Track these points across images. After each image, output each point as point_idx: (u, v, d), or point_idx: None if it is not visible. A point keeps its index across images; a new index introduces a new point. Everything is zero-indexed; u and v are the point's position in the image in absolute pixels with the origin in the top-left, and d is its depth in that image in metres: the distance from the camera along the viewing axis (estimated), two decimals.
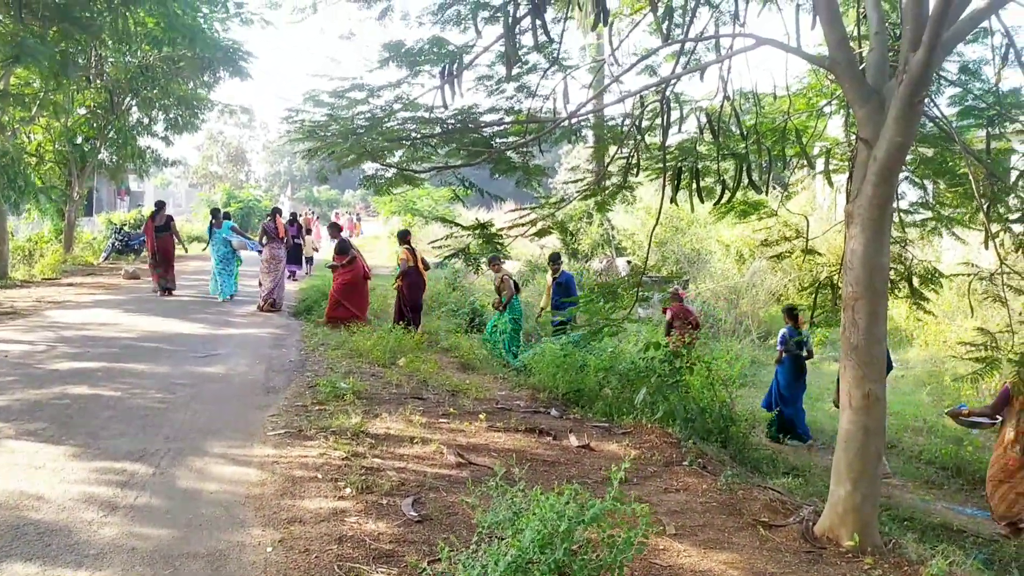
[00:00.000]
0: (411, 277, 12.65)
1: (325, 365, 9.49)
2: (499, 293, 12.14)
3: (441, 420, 7.32)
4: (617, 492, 3.81)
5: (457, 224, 9.15)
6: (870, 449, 5.06)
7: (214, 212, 16.24)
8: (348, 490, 5.23)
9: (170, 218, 16.30)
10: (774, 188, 10.58)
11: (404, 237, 13.20)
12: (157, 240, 15.73)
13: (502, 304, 12.01)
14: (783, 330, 10.84)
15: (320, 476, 5.51)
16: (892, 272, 8.43)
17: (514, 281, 12.16)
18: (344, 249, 13.25)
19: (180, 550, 4.27)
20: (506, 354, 11.79)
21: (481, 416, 7.42)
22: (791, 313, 10.83)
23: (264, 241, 14.58)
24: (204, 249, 16.79)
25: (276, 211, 15.56)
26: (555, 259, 12.75)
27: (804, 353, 10.63)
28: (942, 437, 10.33)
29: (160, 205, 16.42)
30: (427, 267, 13.20)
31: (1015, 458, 7.47)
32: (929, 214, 9.21)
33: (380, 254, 31.35)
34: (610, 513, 3.79)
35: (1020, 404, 7.53)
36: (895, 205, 8.43)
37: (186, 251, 18.12)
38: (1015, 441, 7.50)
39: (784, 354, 10.60)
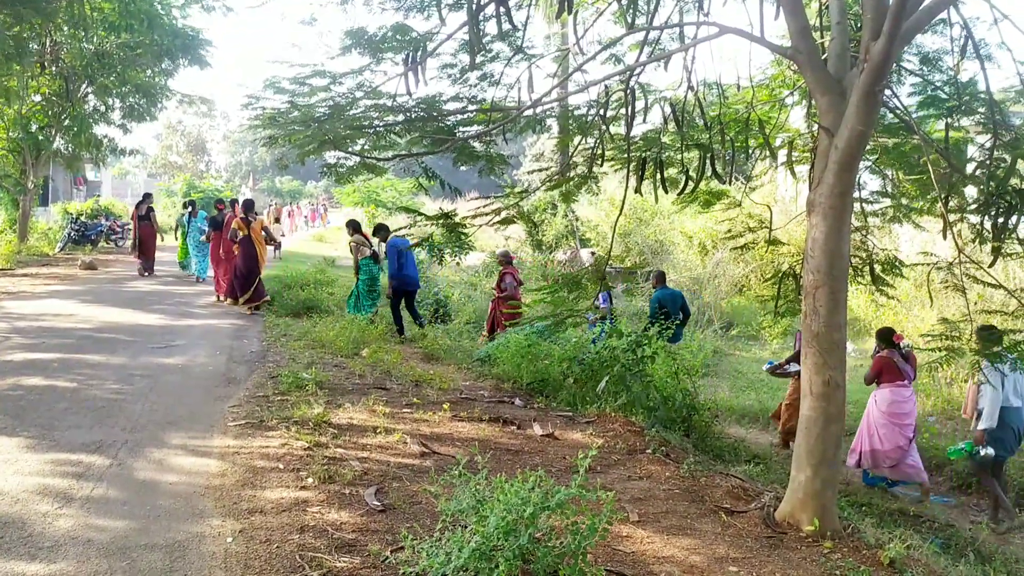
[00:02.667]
0: (244, 247, 13.07)
1: (287, 356, 9.38)
2: (354, 256, 12.79)
3: (405, 410, 7.27)
4: (583, 479, 3.81)
5: (421, 213, 9.10)
6: (830, 435, 5.11)
7: (191, 204, 18.23)
8: (310, 480, 5.17)
9: (151, 209, 18.34)
10: (737, 179, 10.70)
11: (247, 207, 13.67)
12: (140, 227, 17.78)
13: (357, 267, 12.59)
14: (601, 294, 11.73)
15: (282, 466, 5.45)
16: (854, 260, 8.54)
17: (372, 249, 12.80)
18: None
19: (138, 541, 4.19)
20: (352, 310, 12.52)
21: (445, 406, 7.39)
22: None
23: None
24: (180, 241, 18.24)
25: (219, 202, 17.13)
26: (381, 228, 13.06)
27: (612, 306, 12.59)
28: None
29: (146, 196, 18.64)
30: (270, 241, 14.08)
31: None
32: (889, 203, 9.36)
33: (343, 244, 31.16)
34: (574, 500, 3.79)
35: None
36: (856, 194, 8.58)
37: (162, 239, 19.71)
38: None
39: (607, 313, 11.80)
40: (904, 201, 9.24)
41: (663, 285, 12.09)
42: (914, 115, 8.18)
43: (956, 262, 7.75)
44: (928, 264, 8.19)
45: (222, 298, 13.90)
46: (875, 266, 8.72)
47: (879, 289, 8.93)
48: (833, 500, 5.20)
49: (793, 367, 9.49)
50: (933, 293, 9.46)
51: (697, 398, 8.67)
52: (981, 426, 7.92)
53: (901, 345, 8.83)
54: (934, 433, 9.85)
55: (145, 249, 17.89)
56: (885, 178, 9.34)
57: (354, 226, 13.06)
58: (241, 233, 13.07)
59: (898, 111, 7.46)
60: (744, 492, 5.75)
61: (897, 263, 9.01)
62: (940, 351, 8.06)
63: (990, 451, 7.86)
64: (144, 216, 17.86)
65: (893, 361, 8.63)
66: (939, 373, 11.02)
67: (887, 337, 8.92)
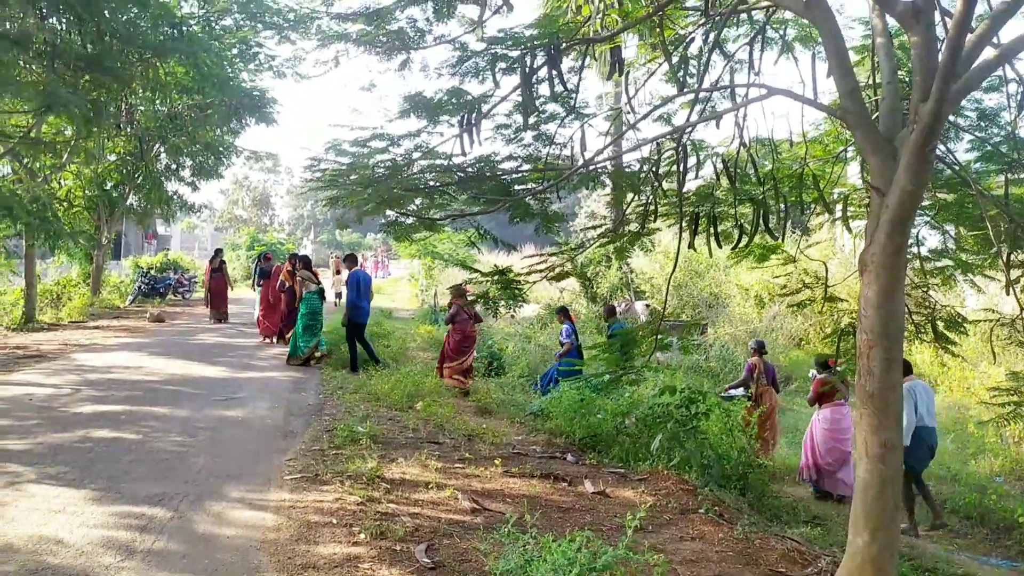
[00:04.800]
0: (287, 296, 14.60)
1: (343, 409, 9.54)
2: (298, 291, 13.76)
3: (457, 465, 7.33)
4: (630, 540, 3.81)
5: (475, 270, 9.26)
6: (888, 498, 5.00)
7: (260, 256, 19.23)
8: (362, 536, 5.24)
9: (223, 262, 20.06)
10: (794, 232, 10.68)
11: (293, 261, 14.79)
12: (212, 279, 19.42)
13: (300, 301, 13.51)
14: (565, 326, 12.91)
15: (335, 521, 5.54)
16: (917, 317, 8.40)
17: (317, 283, 13.66)
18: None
19: None
20: (299, 345, 13.17)
21: (497, 461, 7.42)
22: (565, 313, 13.29)
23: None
24: (255, 287, 18.86)
25: (266, 254, 18.59)
26: (350, 257, 14.64)
27: (579, 342, 13.07)
28: (966, 486, 10.17)
29: (217, 252, 20.56)
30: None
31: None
32: (950, 261, 9.20)
33: (400, 296, 31.60)
34: (623, 561, 3.79)
35: (757, 374, 10.81)
36: (915, 251, 8.47)
37: (232, 289, 20.89)
38: (758, 400, 10.64)
39: (572, 346, 12.58)
40: (965, 257, 9.08)
41: (616, 319, 13.26)
42: (974, 170, 8.10)
43: (1019, 318, 7.58)
44: (991, 320, 8.01)
45: (268, 339, 15.70)
46: (938, 323, 8.56)
47: (942, 346, 8.75)
48: (892, 565, 5.05)
49: (733, 392, 10.96)
50: (1000, 349, 9.21)
51: (753, 456, 8.55)
52: None
53: (837, 369, 9.64)
54: (1002, 494, 9.49)
55: (217, 299, 19.52)
56: (945, 234, 9.20)
57: (304, 262, 14.14)
58: (287, 284, 14.45)
59: (955, 167, 7.39)
60: (800, 555, 5.64)
61: (960, 320, 8.83)
62: (1006, 406, 7.87)
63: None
64: (217, 269, 19.48)
65: (831, 383, 9.79)
66: (1006, 431, 10.65)
67: (824, 363, 10.07)
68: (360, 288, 13.29)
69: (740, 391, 10.90)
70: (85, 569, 4.57)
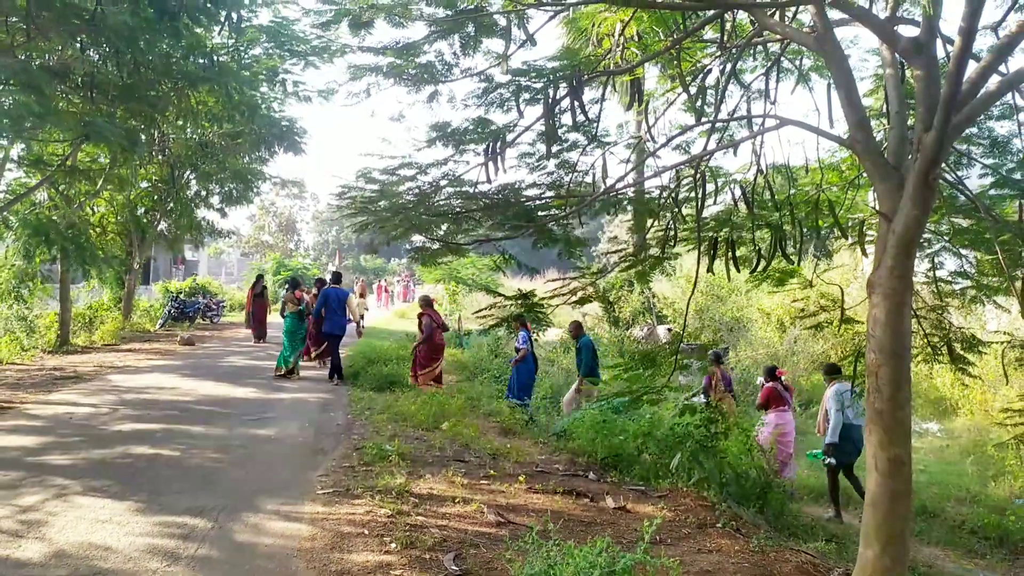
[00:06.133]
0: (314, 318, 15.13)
1: (371, 428, 9.80)
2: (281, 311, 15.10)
3: (482, 481, 7.56)
4: (646, 546, 4.03)
5: (500, 294, 9.53)
6: (898, 512, 5.17)
7: (288, 281, 19.60)
8: (393, 545, 5.49)
9: (264, 287, 21.42)
10: (816, 257, 10.92)
11: (319, 284, 16.26)
12: (255, 303, 20.80)
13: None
14: (522, 333, 13.31)
15: (367, 532, 5.79)
16: (934, 339, 8.55)
17: (303, 302, 14.86)
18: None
19: None
20: (286, 357, 14.32)
21: (521, 478, 7.65)
22: (521, 320, 12.86)
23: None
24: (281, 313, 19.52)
25: (287, 280, 19.00)
26: (337, 277, 15.25)
27: (534, 349, 13.76)
28: (985, 507, 10.25)
29: (259, 277, 22.30)
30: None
31: None
32: (969, 283, 9.35)
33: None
34: (640, 566, 4.01)
35: (716, 382, 11.59)
36: (933, 275, 8.65)
37: (270, 312, 21.69)
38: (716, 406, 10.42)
39: (527, 353, 13.25)
40: (984, 281, 9.23)
41: (583, 333, 13.49)
42: (990, 196, 8.28)
43: None
44: (1003, 344, 8.16)
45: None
46: (954, 345, 8.70)
47: (959, 368, 8.88)
48: None
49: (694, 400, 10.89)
50: (1013, 371, 9.32)
51: (772, 476, 8.70)
52: (827, 440, 9.97)
53: (783, 379, 11.36)
54: (1021, 515, 9.56)
55: (259, 321, 20.80)
56: (962, 257, 9.36)
57: (292, 284, 15.47)
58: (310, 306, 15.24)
59: (968, 194, 7.58)
60: (814, 568, 5.81)
61: (976, 342, 8.97)
62: (1019, 426, 7.99)
63: (832, 461, 10.00)
64: (259, 294, 20.91)
65: (777, 390, 11.02)
66: None
67: (772, 372, 11.41)
68: (329, 303, 14.10)
69: (700, 399, 11.04)
70: (135, 573, 4.85)
